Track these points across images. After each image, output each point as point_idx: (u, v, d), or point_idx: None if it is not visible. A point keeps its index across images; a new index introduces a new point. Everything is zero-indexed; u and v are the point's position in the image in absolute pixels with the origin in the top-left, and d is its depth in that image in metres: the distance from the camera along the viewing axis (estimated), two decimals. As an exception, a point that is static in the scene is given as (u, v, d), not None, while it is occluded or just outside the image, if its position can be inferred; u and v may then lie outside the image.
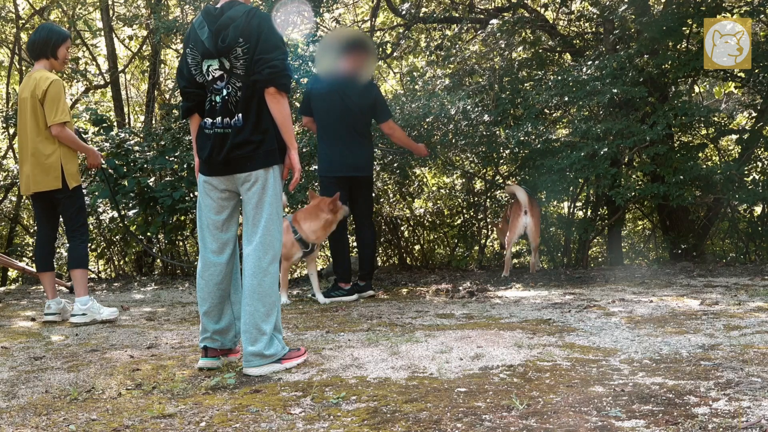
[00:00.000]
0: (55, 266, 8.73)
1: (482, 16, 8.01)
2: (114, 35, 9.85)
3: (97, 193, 7.31)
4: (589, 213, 7.45)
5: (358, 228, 5.54)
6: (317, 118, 5.37)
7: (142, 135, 7.98)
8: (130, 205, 7.33)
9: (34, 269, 7.67)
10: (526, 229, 6.09)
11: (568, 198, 7.31)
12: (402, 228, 8.10)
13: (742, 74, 6.75)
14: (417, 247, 8.31)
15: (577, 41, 7.85)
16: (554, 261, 7.65)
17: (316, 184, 6.83)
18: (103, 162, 4.79)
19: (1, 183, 9.24)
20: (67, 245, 4.75)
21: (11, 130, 9.44)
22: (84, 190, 7.85)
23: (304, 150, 6.48)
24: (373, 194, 6.21)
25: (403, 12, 8.08)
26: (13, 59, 9.81)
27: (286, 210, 5.76)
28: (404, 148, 6.14)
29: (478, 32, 7.72)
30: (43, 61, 4.66)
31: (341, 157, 5.26)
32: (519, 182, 6.96)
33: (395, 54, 8.72)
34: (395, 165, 7.01)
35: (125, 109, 9.95)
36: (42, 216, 4.81)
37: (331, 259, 4.99)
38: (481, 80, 7.04)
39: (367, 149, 5.39)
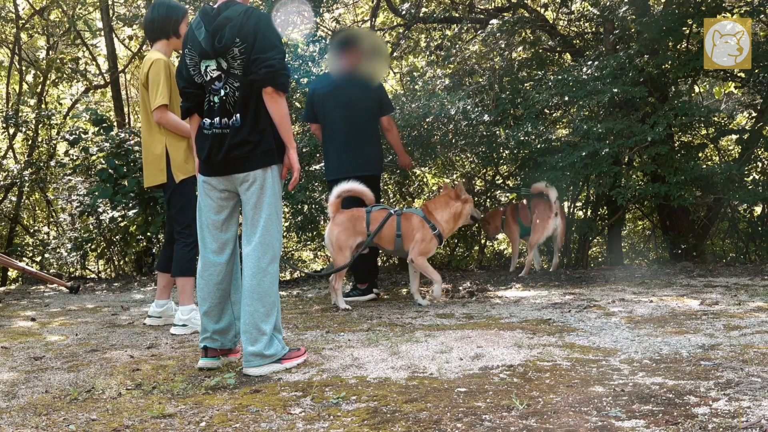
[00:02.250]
0: (52, 266, 8.74)
1: (482, 16, 8.01)
2: (114, 35, 9.85)
3: (97, 193, 7.31)
4: (589, 213, 7.44)
5: None
6: (322, 120, 5.30)
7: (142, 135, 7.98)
8: (131, 205, 7.33)
9: (34, 269, 7.69)
10: (556, 230, 6.07)
11: (568, 198, 7.31)
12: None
13: (742, 74, 6.75)
14: (417, 247, 8.30)
15: (577, 41, 7.85)
16: (554, 261, 7.64)
17: (317, 183, 6.83)
18: None
19: (1, 183, 9.24)
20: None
21: (11, 130, 9.44)
22: (85, 191, 7.91)
23: (303, 150, 6.47)
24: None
25: (403, 12, 8.08)
26: (13, 59, 9.81)
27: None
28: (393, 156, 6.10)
29: (478, 32, 7.71)
30: (161, 42, 4.27)
31: (348, 158, 5.20)
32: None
33: (395, 54, 8.71)
34: (395, 165, 7.01)
35: (125, 109, 9.95)
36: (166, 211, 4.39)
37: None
38: (481, 80, 7.03)
39: (374, 148, 5.32)
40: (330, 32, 8.40)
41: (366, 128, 5.26)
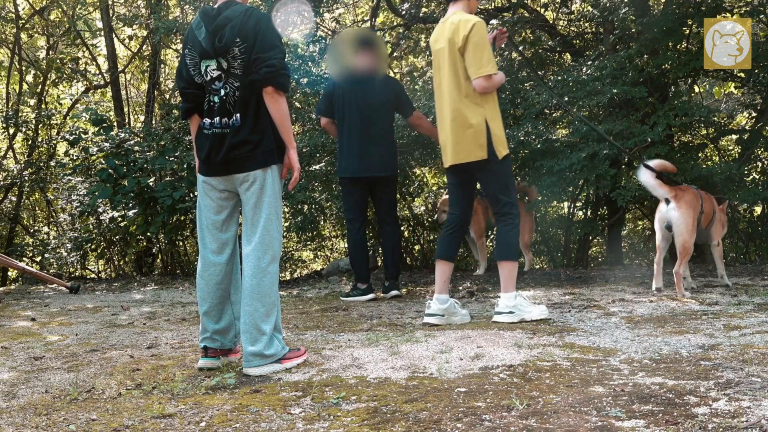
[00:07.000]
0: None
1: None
2: (114, 35, 9.86)
3: (97, 193, 7.31)
4: (589, 213, 7.44)
5: (381, 228, 5.47)
6: (340, 117, 5.28)
7: (142, 135, 7.99)
8: (131, 205, 7.33)
9: (34, 269, 7.69)
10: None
11: (568, 198, 7.31)
12: (402, 228, 8.10)
13: (742, 74, 6.75)
14: (417, 247, 8.31)
15: (577, 41, 7.85)
16: (554, 261, 7.64)
17: (317, 183, 6.83)
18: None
19: (1, 183, 9.24)
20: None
21: (11, 130, 9.44)
22: (85, 191, 7.91)
23: (303, 150, 6.48)
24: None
25: (403, 12, 8.08)
26: (13, 59, 9.81)
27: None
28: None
29: (478, 32, 7.70)
30: (463, 2, 4.01)
31: (362, 157, 5.17)
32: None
33: (395, 54, 8.71)
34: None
35: (125, 109, 9.96)
36: (458, 193, 4.08)
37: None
38: (481, 80, 7.02)
39: (389, 148, 5.29)
40: (331, 32, 8.39)
41: (383, 129, 5.25)
